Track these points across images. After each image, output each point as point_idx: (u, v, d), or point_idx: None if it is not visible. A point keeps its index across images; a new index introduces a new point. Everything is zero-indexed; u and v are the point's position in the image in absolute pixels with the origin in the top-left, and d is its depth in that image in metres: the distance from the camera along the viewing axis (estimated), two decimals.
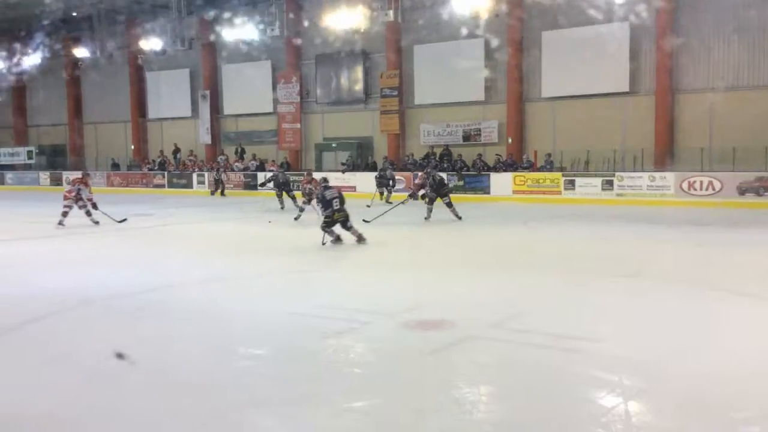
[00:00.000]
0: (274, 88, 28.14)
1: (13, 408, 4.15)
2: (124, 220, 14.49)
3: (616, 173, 19.80)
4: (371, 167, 24.07)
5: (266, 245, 11.70)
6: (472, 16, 21.76)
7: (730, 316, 6.47)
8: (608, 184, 19.59)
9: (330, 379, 4.75)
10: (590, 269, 8.94)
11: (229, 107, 29.82)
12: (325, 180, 11.55)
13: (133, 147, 32.24)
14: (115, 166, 31.35)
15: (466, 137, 24.38)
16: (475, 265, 9.57)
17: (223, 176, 25.92)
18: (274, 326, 6.17)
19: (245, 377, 4.78)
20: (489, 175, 21.81)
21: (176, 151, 30.33)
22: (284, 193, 17.95)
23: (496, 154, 22.65)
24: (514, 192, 21.01)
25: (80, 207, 13.97)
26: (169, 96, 30.86)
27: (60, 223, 13.62)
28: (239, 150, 28.79)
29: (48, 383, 4.62)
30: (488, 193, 21.44)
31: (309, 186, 14.63)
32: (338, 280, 8.61)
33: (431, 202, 14.82)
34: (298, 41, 27.10)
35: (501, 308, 6.68)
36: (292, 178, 20.63)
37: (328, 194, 10.85)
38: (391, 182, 20.69)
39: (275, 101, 28.20)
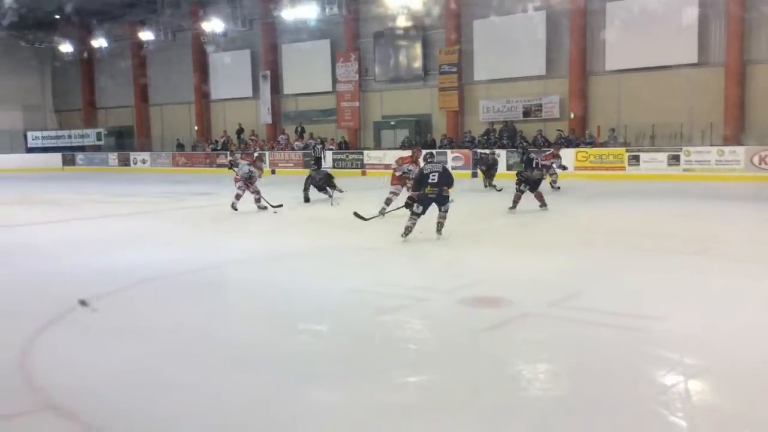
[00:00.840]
0: (333, 66, 28.26)
1: (94, 379, 4.37)
2: (280, 206, 13.28)
3: (683, 148, 19.16)
4: (429, 145, 23.93)
5: (323, 224, 11.83)
6: None
7: None
8: (674, 159, 18.99)
9: (386, 354, 4.83)
10: (655, 247, 8.73)
11: (288, 87, 30.10)
12: (431, 156, 9.98)
13: (196, 128, 32.98)
14: (180, 147, 32.15)
15: (527, 113, 23.97)
16: (536, 243, 9.45)
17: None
18: (333, 302, 6.28)
19: (305, 352, 4.90)
20: (550, 150, 21.36)
21: (240, 131, 30.88)
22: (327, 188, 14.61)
23: (558, 130, 22.22)
24: (577, 168, 20.58)
25: (252, 192, 13.20)
26: (231, 76, 31.34)
27: (233, 206, 13.06)
28: (299, 129, 29.10)
29: (123, 354, 4.84)
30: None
31: (408, 167, 11.52)
32: (399, 257, 8.66)
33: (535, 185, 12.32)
34: (356, 19, 27.10)
35: (561, 287, 6.59)
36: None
37: (428, 168, 9.27)
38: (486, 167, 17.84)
39: (334, 80, 28.34)
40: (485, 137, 23.73)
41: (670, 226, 10.76)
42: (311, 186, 14.48)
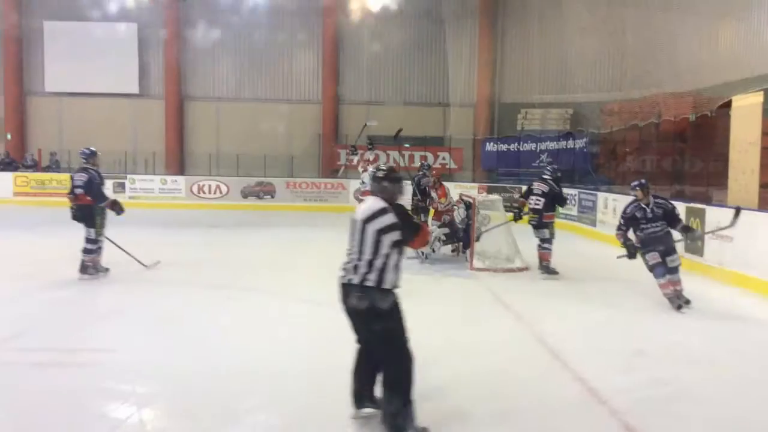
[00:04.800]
0: None
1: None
2: None
3: (128, 175, 19.59)
4: None
5: None
6: None
7: (237, 311, 7.00)
8: (120, 187, 19.23)
9: None
10: (103, 276, 8.60)
11: None
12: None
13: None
14: None
15: None
16: None
17: None
18: None
19: None
20: None
21: None
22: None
23: None
24: (16, 194, 18.96)
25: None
26: None
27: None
28: None
29: None
30: None
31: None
32: None
33: None
34: None
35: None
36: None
37: None
38: None
39: None
40: None
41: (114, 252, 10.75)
42: None
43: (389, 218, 3.77)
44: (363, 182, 9.81)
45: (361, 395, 4.02)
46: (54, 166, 19.96)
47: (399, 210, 3.86)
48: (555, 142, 18.30)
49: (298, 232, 14.10)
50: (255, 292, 7.81)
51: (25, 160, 20.15)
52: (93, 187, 8.20)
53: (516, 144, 19.58)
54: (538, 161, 18.38)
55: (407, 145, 20.68)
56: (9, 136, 20.98)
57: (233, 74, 21.90)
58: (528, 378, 4.97)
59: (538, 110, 20.38)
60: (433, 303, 7.35)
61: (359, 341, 4.00)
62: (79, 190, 8.17)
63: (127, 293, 7.69)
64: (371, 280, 3.73)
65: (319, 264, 9.37)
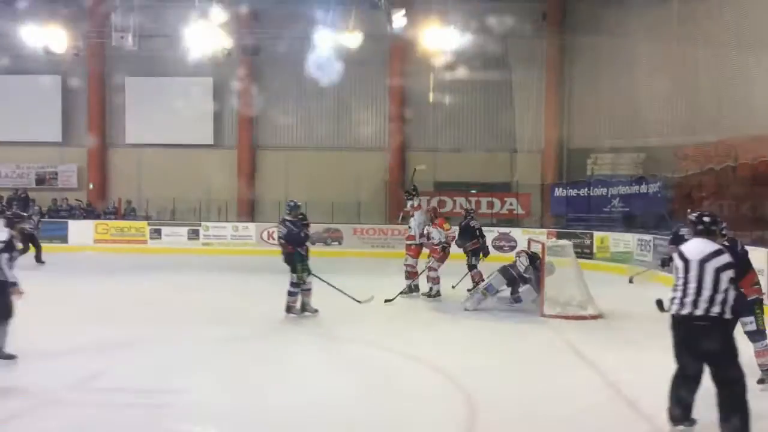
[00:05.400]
0: None
1: None
2: None
3: (202, 223, 20.20)
4: None
5: None
6: (48, 52, 19.93)
7: (315, 355, 7.04)
8: (194, 234, 19.84)
9: None
10: (178, 319, 8.84)
11: None
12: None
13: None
14: None
15: (40, 180, 22.26)
16: (50, 320, 8.61)
17: None
18: None
19: None
20: (67, 222, 20.13)
21: None
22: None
23: (76, 200, 21.14)
24: (96, 241, 19.80)
25: None
26: None
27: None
28: None
29: None
30: (66, 242, 19.74)
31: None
32: None
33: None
34: None
35: (80, 366, 6.12)
36: None
37: None
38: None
39: None
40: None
41: (192, 297, 11.05)
42: None
43: (725, 258, 4.51)
44: (410, 227, 11.18)
45: (684, 414, 4.50)
46: (132, 214, 20.80)
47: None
48: (627, 187, 17.91)
49: (364, 279, 14.13)
50: (326, 338, 7.86)
51: (106, 209, 21.08)
52: (291, 237, 8.92)
53: (586, 189, 19.23)
54: (609, 206, 18.01)
55: (473, 191, 20.64)
56: (91, 186, 22.04)
57: (302, 123, 22.46)
58: (604, 428, 4.79)
59: (609, 155, 20.04)
60: (503, 350, 7.21)
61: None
62: (281, 241, 9.06)
63: (206, 335, 7.84)
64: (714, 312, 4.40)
65: (388, 313, 9.39)
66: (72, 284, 12.67)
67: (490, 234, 18.99)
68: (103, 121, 22.28)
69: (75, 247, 19.42)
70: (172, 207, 21.24)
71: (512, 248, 17.50)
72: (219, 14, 18.29)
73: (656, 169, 18.31)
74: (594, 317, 9.20)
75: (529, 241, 10.98)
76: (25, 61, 20.77)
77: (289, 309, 8.92)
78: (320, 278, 9.18)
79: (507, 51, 21.30)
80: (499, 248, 18.24)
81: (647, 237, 14.79)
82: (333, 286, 9.28)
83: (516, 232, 18.74)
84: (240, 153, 22.24)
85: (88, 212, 20.72)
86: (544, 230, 18.25)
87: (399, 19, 18.46)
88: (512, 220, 20.36)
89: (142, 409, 5.05)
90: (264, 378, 6.05)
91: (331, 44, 19.65)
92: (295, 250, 8.87)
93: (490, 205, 20.58)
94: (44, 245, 15.82)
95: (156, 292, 11.64)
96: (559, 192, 20.16)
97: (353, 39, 19.55)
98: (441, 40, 19.08)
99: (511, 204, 20.67)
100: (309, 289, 9.05)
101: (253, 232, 19.95)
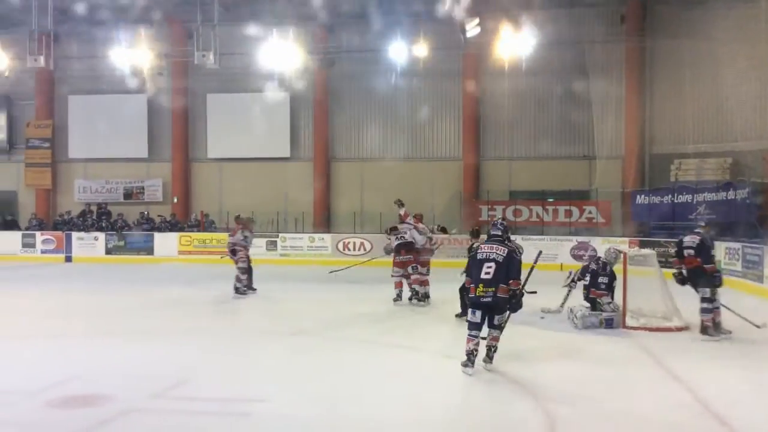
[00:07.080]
0: None
1: None
2: None
3: (280, 234, 20.60)
4: (9, 225, 21.63)
5: None
6: (134, 72, 20.96)
7: (390, 365, 7.03)
8: (272, 245, 20.24)
9: None
10: (255, 329, 9.01)
11: None
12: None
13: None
14: None
15: (128, 195, 23.27)
16: (135, 331, 8.94)
17: None
18: None
19: None
20: (153, 234, 20.97)
21: None
22: None
23: (159, 215, 21.95)
24: (180, 252, 20.50)
25: None
26: None
27: None
28: None
29: None
30: (152, 254, 20.55)
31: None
32: None
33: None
34: None
35: (163, 376, 6.32)
36: None
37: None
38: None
39: None
40: (81, 218, 22.13)
41: (270, 307, 11.25)
42: None
43: None
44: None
45: None
46: (213, 227, 21.44)
47: None
48: (713, 193, 17.13)
49: (437, 289, 14.03)
50: (401, 348, 7.83)
51: (189, 221, 21.81)
52: (703, 250, 8.53)
53: (670, 196, 18.51)
54: (695, 213, 17.26)
55: (551, 200, 20.21)
56: (176, 199, 22.90)
57: (377, 135, 22.59)
58: None
59: (693, 160, 19.24)
60: (585, 363, 6.99)
61: None
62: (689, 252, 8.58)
63: (284, 344, 7.95)
64: None
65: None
66: (157, 295, 13.13)
67: (568, 243, 18.61)
68: (186, 136, 23.11)
69: (160, 258, 20.18)
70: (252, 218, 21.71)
71: (591, 258, 17.03)
72: (294, 31, 18.71)
73: (744, 174, 17.46)
74: (680, 329, 8.82)
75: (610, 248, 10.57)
76: (114, 81, 21.90)
77: (705, 330, 8.32)
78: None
79: (584, 56, 20.82)
80: (578, 257, 17.80)
81: (736, 245, 14.10)
82: (731, 310, 8.70)
83: (595, 241, 18.23)
84: (316, 165, 22.58)
85: (173, 225, 21.48)
86: (626, 239, 17.69)
87: (473, 29, 18.34)
88: (591, 229, 19.80)
89: (221, 417, 5.15)
90: (343, 389, 6.06)
91: (404, 56, 19.79)
92: (701, 263, 8.46)
93: (568, 213, 20.08)
94: (132, 257, 16.49)
95: (236, 302, 11.91)
96: (641, 199, 19.49)
97: (426, 50, 19.61)
98: (515, 48, 18.87)
99: (590, 212, 20.11)
100: (717, 308, 8.47)
101: (329, 243, 20.19)
